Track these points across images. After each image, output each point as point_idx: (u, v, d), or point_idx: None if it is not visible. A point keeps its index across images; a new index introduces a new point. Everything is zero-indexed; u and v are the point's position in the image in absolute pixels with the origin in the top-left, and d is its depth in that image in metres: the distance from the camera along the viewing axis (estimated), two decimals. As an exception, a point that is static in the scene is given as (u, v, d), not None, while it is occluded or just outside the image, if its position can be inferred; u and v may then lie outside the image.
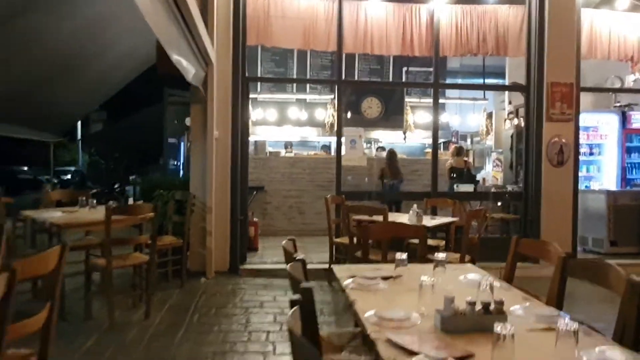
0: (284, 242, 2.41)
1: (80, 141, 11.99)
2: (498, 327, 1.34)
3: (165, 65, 4.47)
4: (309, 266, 2.20)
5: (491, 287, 1.75)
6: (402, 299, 1.97)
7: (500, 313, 1.63)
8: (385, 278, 2.22)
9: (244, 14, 5.54)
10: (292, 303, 1.49)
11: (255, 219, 6.61)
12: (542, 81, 5.90)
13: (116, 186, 11.49)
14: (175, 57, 3.69)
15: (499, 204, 7.29)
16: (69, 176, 22.39)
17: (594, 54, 6.34)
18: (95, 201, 4.27)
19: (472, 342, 1.50)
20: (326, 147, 10.38)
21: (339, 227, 5.39)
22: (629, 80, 7.82)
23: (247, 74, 5.73)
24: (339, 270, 2.43)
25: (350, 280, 2.19)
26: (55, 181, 13.08)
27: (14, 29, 6.24)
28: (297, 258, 2.11)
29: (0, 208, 4.52)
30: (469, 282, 2.18)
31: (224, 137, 5.43)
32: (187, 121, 7.69)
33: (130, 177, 12.41)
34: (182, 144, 11.29)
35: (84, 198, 4.37)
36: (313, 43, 5.84)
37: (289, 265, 2.02)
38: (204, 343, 3.43)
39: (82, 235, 4.44)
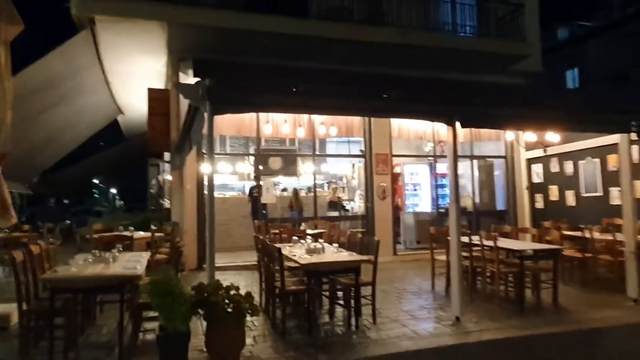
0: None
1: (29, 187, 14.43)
2: (318, 247, 5.52)
3: (155, 146, 8.28)
4: (244, 263, 6.20)
5: (323, 244, 5.92)
6: (295, 250, 6.07)
7: (322, 247, 5.80)
8: (290, 246, 6.32)
9: (202, 116, 9.42)
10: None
11: (205, 239, 10.28)
12: (372, 152, 10.58)
13: (67, 222, 14.11)
14: (182, 154, 7.50)
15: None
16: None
17: (402, 136, 11.24)
18: (132, 228, 7.77)
19: (315, 254, 5.63)
20: (238, 190, 14.23)
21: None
22: (430, 146, 13.04)
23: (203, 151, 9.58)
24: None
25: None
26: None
27: (43, 119, 9.41)
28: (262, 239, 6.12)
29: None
30: (319, 243, 6.36)
31: (192, 188, 9.17)
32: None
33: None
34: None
35: (121, 227, 7.83)
36: (244, 132, 9.97)
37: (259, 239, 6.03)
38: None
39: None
